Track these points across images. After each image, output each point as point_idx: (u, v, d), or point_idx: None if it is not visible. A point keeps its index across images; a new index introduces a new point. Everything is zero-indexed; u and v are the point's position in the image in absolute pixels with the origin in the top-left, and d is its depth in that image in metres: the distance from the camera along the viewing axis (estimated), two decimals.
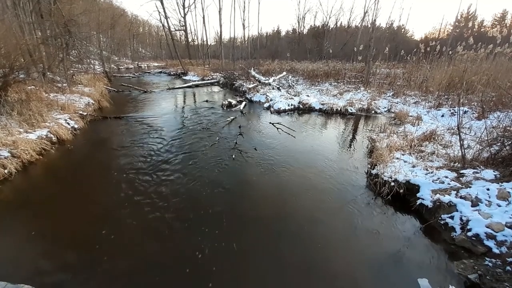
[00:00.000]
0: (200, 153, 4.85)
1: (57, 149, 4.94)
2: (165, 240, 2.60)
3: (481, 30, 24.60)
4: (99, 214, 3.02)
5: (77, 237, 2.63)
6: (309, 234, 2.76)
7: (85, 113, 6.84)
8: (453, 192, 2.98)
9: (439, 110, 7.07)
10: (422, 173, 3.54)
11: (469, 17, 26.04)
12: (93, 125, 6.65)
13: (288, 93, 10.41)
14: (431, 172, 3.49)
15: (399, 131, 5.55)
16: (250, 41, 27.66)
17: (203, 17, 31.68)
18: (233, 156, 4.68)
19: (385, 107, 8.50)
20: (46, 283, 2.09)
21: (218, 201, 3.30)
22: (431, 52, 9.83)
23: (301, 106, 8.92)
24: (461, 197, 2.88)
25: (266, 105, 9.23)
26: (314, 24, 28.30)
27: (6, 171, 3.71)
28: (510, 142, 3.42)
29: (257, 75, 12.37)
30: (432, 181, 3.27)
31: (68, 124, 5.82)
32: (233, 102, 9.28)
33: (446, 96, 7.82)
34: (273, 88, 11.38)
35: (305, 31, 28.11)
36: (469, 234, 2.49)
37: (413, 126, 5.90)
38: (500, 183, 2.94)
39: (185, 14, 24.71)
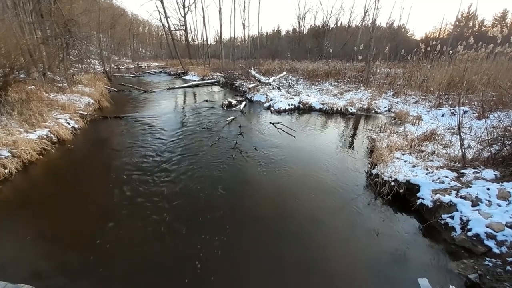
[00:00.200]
0: (200, 152, 4.85)
1: (57, 149, 4.94)
2: (165, 240, 2.60)
3: (482, 29, 24.58)
4: (99, 214, 3.02)
5: (77, 237, 2.64)
6: (309, 234, 2.76)
7: (85, 113, 6.84)
8: (453, 192, 2.98)
9: (439, 109, 7.06)
10: (422, 173, 3.54)
11: (470, 16, 26.00)
12: (94, 125, 6.65)
13: (288, 93, 10.41)
14: (431, 172, 3.49)
15: (399, 131, 5.54)
16: (250, 40, 27.64)
17: (203, 17, 31.59)
18: (233, 155, 4.68)
19: (385, 107, 8.49)
20: (46, 283, 2.09)
21: (218, 201, 3.30)
22: (431, 51, 9.81)
23: (301, 105, 8.91)
24: (461, 197, 2.87)
25: (266, 104, 9.23)
26: (314, 24, 28.35)
27: (6, 170, 3.71)
28: (510, 142, 3.41)
29: (257, 75, 12.36)
30: (432, 181, 3.27)
31: (69, 124, 5.82)
32: (233, 102, 9.27)
33: (446, 95, 7.81)
34: (273, 88, 11.37)
35: (305, 31, 28.13)
36: (469, 234, 2.48)
37: (413, 125, 5.89)
38: (500, 183, 2.94)
39: (185, 14, 24.70)
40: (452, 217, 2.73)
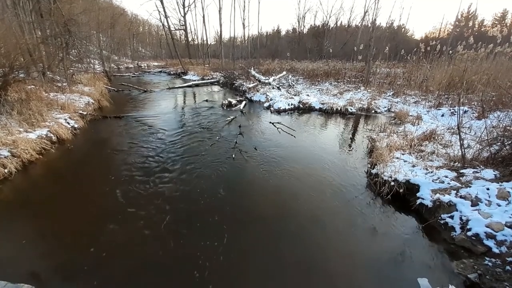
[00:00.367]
0: (200, 152, 4.85)
1: (57, 148, 4.94)
2: (165, 240, 2.60)
3: (482, 29, 24.59)
4: (99, 214, 3.02)
5: (77, 237, 2.63)
6: (309, 234, 2.76)
7: (85, 113, 6.84)
8: (453, 192, 2.98)
9: (439, 109, 7.06)
10: (422, 172, 3.54)
11: (470, 16, 26.02)
12: (93, 124, 6.64)
13: (288, 93, 10.41)
14: (431, 172, 3.49)
15: (399, 131, 5.55)
16: (250, 40, 27.65)
17: (203, 17, 31.36)
18: (233, 155, 4.68)
19: (385, 107, 8.49)
20: (46, 283, 2.09)
21: (218, 201, 3.30)
22: (431, 51, 9.82)
23: (301, 105, 8.91)
24: (461, 197, 2.87)
25: (266, 104, 9.23)
26: (314, 24, 28.33)
27: (6, 170, 3.71)
28: (510, 142, 3.42)
29: (257, 75, 12.35)
30: (432, 181, 3.27)
31: (68, 123, 5.82)
32: (233, 101, 9.27)
33: (446, 95, 7.81)
34: (273, 88, 11.37)
35: (305, 31, 28.14)
36: (469, 233, 2.49)
37: (413, 125, 5.90)
38: (500, 183, 2.94)
39: (185, 14, 24.66)
40: (451, 217, 2.74)
